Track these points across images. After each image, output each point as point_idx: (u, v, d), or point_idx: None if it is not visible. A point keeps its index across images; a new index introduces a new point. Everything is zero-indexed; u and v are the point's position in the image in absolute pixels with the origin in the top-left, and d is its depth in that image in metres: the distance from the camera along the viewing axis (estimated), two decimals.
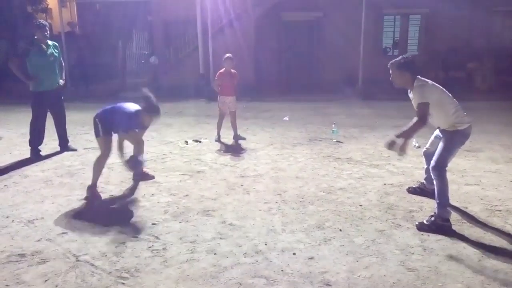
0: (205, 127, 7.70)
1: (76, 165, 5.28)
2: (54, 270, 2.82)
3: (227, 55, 6.50)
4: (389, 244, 3.16)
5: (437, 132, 3.74)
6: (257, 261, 2.93)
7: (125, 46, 15.32)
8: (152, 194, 4.25)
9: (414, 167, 4.97)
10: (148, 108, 4.02)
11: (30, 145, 5.68)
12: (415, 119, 3.42)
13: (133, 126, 4.17)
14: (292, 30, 14.11)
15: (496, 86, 11.73)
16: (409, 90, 3.60)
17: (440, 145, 3.50)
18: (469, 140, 3.57)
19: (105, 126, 4.08)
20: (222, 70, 6.54)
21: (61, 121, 5.93)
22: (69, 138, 6.15)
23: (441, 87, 3.50)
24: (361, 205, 3.91)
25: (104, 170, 4.29)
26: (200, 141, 6.56)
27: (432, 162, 3.46)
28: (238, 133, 6.75)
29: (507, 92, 11.04)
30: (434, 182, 3.46)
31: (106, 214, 3.76)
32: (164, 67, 13.74)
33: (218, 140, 6.60)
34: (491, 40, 12.92)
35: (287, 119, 8.45)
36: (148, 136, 5.96)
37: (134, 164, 4.22)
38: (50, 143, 6.15)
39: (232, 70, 6.53)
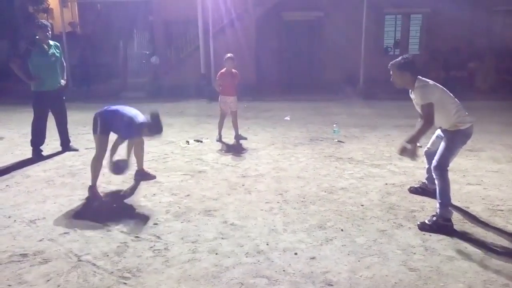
0: (206, 127, 7.70)
1: (77, 165, 5.29)
2: (56, 270, 2.83)
3: (228, 55, 6.50)
4: (391, 244, 3.16)
5: (438, 131, 3.73)
6: (258, 261, 2.93)
7: (126, 46, 15.33)
8: (154, 194, 4.26)
9: (415, 166, 4.97)
10: (152, 127, 4.07)
11: (31, 145, 5.69)
12: (420, 122, 3.41)
13: (132, 135, 4.21)
14: (293, 30, 14.11)
15: (498, 85, 11.70)
16: (410, 91, 3.60)
17: (442, 145, 3.49)
18: (470, 140, 3.56)
19: (104, 126, 4.09)
20: (223, 70, 6.54)
21: (62, 121, 5.94)
22: (71, 138, 6.16)
23: (442, 87, 3.50)
24: (362, 205, 3.91)
25: (106, 170, 4.30)
26: (201, 141, 6.56)
27: (434, 162, 3.46)
28: (239, 133, 6.75)
29: (508, 91, 11.04)
30: (436, 182, 3.45)
31: (108, 214, 3.77)
32: (165, 67, 13.75)
33: (220, 140, 6.60)
34: (493, 40, 12.90)
35: (288, 119, 8.45)
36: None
37: (116, 168, 4.19)
38: (51, 143, 6.17)
39: (233, 70, 6.53)
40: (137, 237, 3.31)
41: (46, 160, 5.52)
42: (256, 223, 3.54)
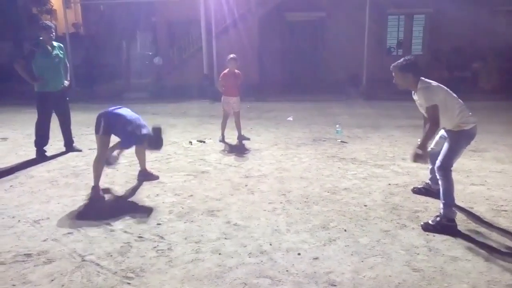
0: (209, 128, 7.71)
1: (81, 165, 5.31)
2: (60, 270, 2.83)
3: (231, 55, 6.50)
4: (394, 244, 3.16)
5: (442, 132, 3.72)
6: (262, 261, 2.93)
7: (129, 46, 15.38)
8: (157, 195, 4.26)
9: (419, 167, 4.95)
10: (152, 141, 4.11)
11: (35, 145, 5.71)
12: (426, 126, 3.40)
13: (131, 145, 4.30)
14: (295, 30, 14.12)
15: (501, 86, 11.66)
16: (413, 92, 3.60)
17: (446, 145, 3.49)
18: (474, 140, 3.55)
19: (107, 127, 4.10)
20: (226, 71, 6.55)
21: (66, 122, 5.96)
22: (74, 139, 6.18)
23: (445, 87, 3.49)
24: (366, 205, 3.91)
25: (109, 171, 4.31)
26: (204, 142, 6.57)
27: (438, 162, 3.45)
28: (242, 133, 6.75)
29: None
30: (440, 182, 3.45)
31: (111, 214, 3.77)
32: (168, 67, 13.79)
33: (222, 140, 6.61)
34: (496, 40, 12.84)
35: (291, 119, 8.45)
36: None
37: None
38: (55, 143, 6.19)
39: (236, 71, 6.53)
40: (141, 237, 3.32)
41: (50, 161, 5.54)
42: (259, 224, 3.55)
